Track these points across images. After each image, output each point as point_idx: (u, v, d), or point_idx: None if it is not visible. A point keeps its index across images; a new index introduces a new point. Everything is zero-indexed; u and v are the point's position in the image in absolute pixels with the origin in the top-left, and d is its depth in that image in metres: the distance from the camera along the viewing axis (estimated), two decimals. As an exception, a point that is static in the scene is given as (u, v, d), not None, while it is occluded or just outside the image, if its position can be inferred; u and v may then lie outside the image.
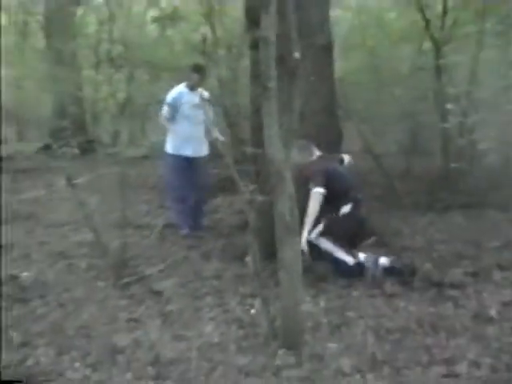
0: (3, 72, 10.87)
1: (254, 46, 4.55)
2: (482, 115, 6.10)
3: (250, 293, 4.08)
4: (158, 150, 8.39)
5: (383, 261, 4.38)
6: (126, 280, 4.37)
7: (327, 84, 5.13)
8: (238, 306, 3.95)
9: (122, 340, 3.45)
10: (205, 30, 7.71)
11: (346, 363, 3.11)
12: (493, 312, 3.67)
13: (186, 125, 5.70)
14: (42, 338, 3.48)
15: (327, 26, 5.14)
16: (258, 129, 4.13)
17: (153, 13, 9.60)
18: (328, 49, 5.15)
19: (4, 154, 9.75)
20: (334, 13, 7.22)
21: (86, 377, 3.06)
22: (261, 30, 3.13)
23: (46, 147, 9.51)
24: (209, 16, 7.38)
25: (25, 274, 4.60)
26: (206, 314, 3.82)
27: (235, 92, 6.87)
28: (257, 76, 4.13)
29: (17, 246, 5.35)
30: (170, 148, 5.83)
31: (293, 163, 3.34)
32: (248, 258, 4.57)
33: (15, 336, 3.49)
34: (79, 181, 4.34)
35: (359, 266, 4.35)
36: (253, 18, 4.42)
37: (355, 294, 4.12)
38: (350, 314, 3.75)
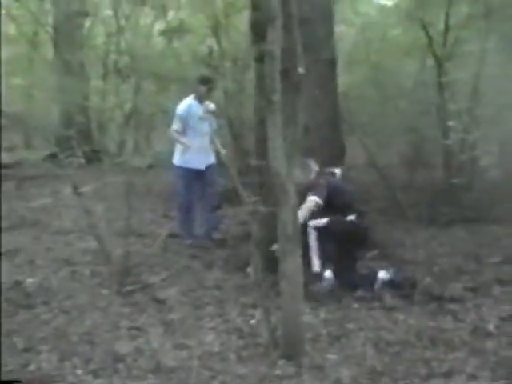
0: (12, 81, 11.00)
1: (260, 59, 4.61)
2: (484, 131, 6.14)
3: (251, 303, 4.12)
4: (162, 160, 8.49)
5: (382, 274, 4.44)
6: (128, 288, 4.41)
7: (331, 98, 5.20)
8: (238, 316, 3.98)
9: (124, 347, 3.48)
10: (211, 42, 7.80)
11: (345, 374, 3.13)
12: (491, 326, 3.69)
13: (194, 137, 5.76)
14: (45, 344, 3.51)
15: (331, 41, 5.22)
16: (262, 141, 4.20)
17: (160, 25, 9.73)
18: (332, 63, 5.22)
19: (11, 161, 9.85)
20: (339, 29, 7.32)
21: (87, 383, 3.09)
22: (266, 43, 3.20)
23: (53, 155, 9.59)
24: (215, 29, 7.47)
25: (29, 280, 4.65)
26: (207, 324, 3.85)
27: (240, 104, 6.94)
28: (262, 89, 4.20)
29: (22, 252, 5.41)
30: (177, 160, 5.89)
31: (295, 182, 3.38)
32: (250, 269, 4.61)
33: (18, 341, 3.53)
34: (85, 189, 4.40)
35: (320, 276, 4.44)
36: (259, 32, 4.49)
37: (355, 306, 4.15)
38: (350, 325, 3.78)
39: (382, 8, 9.83)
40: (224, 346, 3.50)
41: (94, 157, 6.40)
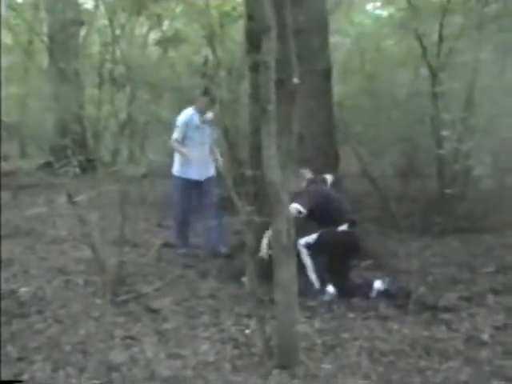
0: (7, 90, 10.99)
1: (254, 69, 4.64)
2: (478, 141, 6.18)
3: (246, 313, 4.12)
4: (156, 169, 8.49)
5: (378, 285, 4.46)
6: (122, 297, 4.40)
7: (325, 108, 5.23)
8: (233, 325, 3.98)
9: (118, 357, 3.47)
10: (206, 52, 7.82)
11: (339, 384, 3.14)
12: (486, 336, 3.71)
13: (193, 147, 5.76)
14: (39, 353, 3.50)
15: (326, 51, 5.25)
16: (256, 150, 4.21)
17: (155, 35, 9.76)
18: (327, 73, 5.25)
19: (6, 170, 9.82)
20: (334, 39, 7.36)
21: (81, 393, 3.09)
22: (261, 53, 3.22)
23: (47, 164, 9.58)
24: (210, 39, 7.49)
25: (23, 289, 4.63)
26: (201, 333, 3.84)
27: (235, 113, 6.95)
28: (256, 98, 4.22)
29: (16, 262, 5.40)
30: (176, 170, 5.91)
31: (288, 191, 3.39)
32: (244, 278, 4.60)
33: (12, 350, 3.52)
34: (79, 198, 4.39)
35: (321, 291, 4.47)
36: (253, 42, 4.52)
37: (350, 315, 4.16)
38: (345, 335, 3.79)
39: (377, 18, 9.92)
40: (218, 355, 3.50)
41: (88, 166, 6.39)
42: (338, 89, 7.03)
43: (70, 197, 4.38)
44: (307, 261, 4.50)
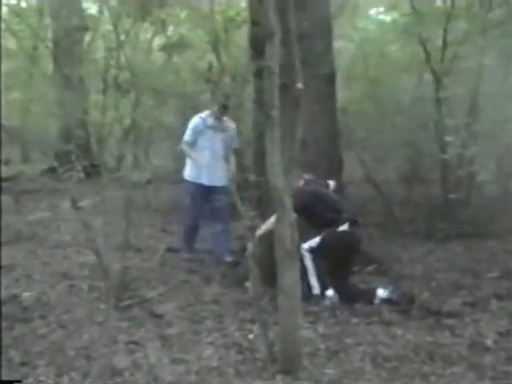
0: (11, 95, 11.04)
1: (258, 74, 4.65)
2: (481, 147, 6.18)
3: (250, 318, 4.11)
4: (160, 175, 8.50)
5: (381, 293, 4.46)
6: (126, 302, 4.40)
7: (329, 113, 5.24)
8: (237, 330, 3.98)
9: (122, 362, 3.47)
10: (210, 57, 7.84)
11: (343, 389, 3.14)
12: (489, 341, 3.70)
13: (202, 152, 5.76)
14: (42, 358, 3.51)
15: (330, 56, 5.26)
16: (260, 156, 4.22)
17: (159, 40, 9.79)
18: (331, 79, 5.26)
19: (9, 174, 9.85)
20: (338, 44, 7.38)
21: (85, 397, 3.09)
22: (265, 59, 3.23)
23: (51, 169, 9.61)
24: (215, 44, 7.52)
25: (26, 294, 4.64)
26: (205, 338, 3.84)
27: (239, 119, 6.97)
28: (260, 104, 4.22)
29: (19, 266, 5.40)
30: (187, 175, 5.92)
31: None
32: (248, 284, 4.60)
33: (15, 355, 3.53)
34: (84, 203, 4.41)
35: (322, 296, 4.47)
36: (257, 48, 4.53)
37: (354, 320, 4.15)
38: (348, 340, 3.78)
39: (381, 23, 9.92)
40: (222, 360, 3.50)
41: (93, 171, 6.40)
42: (341, 94, 7.03)
43: (74, 202, 4.39)
44: (309, 265, 4.50)
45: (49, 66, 11.73)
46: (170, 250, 6.06)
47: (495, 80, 6.93)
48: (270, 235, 4.29)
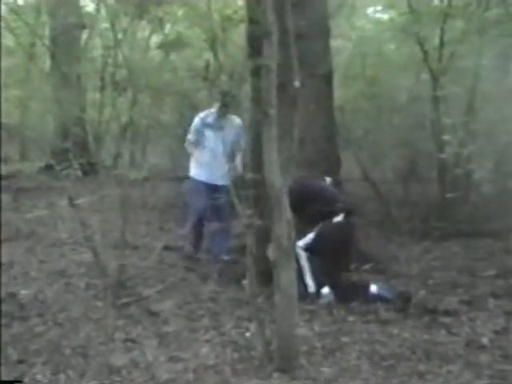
0: (9, 92, 11.02)
1: (256, 73, 4.64)
2: (479, 146, 6.19)
3: (246, 316, 4.11)
4: (158, 173, 8.50)
5: (373, 288, 4.47)
6: (123, 300, 4.40)
7: (327, 112, 5.24)
8: (233, 328, 3.98)
9: (119, 360, 3.47)
10: (208, 56, 7.85)
11: (339, 387, 3.14)
12: (486, 340, 3.70)
13: (204, 152, 5.77)
14: (39, 356, 3.50)
15: (328, 55, 5.27)
16: (257, 154, 4.21)
17: (157, 38, 9.79)
18: (328, 77, 5.27)
19: (6, 172, 9.84)
20: (335, 43, 7.38)
21: (81, 395, 3.09)
22: (263, 58, 3.23)
23: (48, 167, 9.60)
24: (212, 42, 7.52)
25: (23, 292, 4.63)
26: (202, 336, 3.84)
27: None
28: (258, 102, 4.22)
29: (17, 264, 5.40)
30: (191, 172, 5.94)
31: None
32: (245, 282, 4.61)
33: (12, 353, 3.52)
34: (81, 201, 4.40)
35: (318, 294, 4.46)
36: (255, 46, 4.52)
37: (350, 318, 4.16)
38: (345, 339, 3.78)
39: (378, 22, 9.94)
40: (219, 358, 3.50)
41: (90, 169, 6.40)
42: (339, 93, 7.05)
43: (71, 200, 4.38)
44: (305, 264, 4.50)
45: (46, 63, 11.72)
46: (167, 247, 6.05)
47: (492, 79, 6.95)
48: (266, 233, 4.32)
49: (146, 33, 10.46)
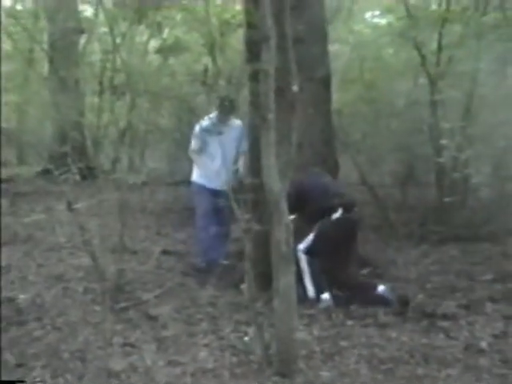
0: (7, 97, 11.02)
1: (254, 77, 4.65)
2: (476, 150, 6.20)
3: (245, 320, 4.11)
4: (156, 177, 8.51)
5: (380, 289, 4.48)
6: (122, 305, 4.40)
7: (325, 116, 5.25)
8: (232, 332, 3.98)
9: (117, 364, 3.47)
10: (206, 60, 7.87)
11: (338, 391, 3.14)
12: (484, 344, 3.71)
13: (207, 156, 5.73)
14: (38, 361, 3.50)
15: (326, 59, 5.28)
16: (256, 158, 4.22)
17: (155, 43, 9.81)
18: (326, 82, 5.28)
19: (4, 176, 9.84)
20: (333, 47, 7.40)
21: (80, 400, 3.09)
22: (261, 62, 3.24)
23: (45, 172, 9.60)
24: (211, 47, 7.54)
25: (21, 296, 4.63)
26: (200, 340, 3.84)
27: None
28: (256, 106, 4.23)
29: (14, 268, 5.40)
30: (194, 177, 5.92)
31: None
32: (243, 286, 4.61)
33: (11, 358, 3.52)
34: (79, 206, 4.40)
35: (318, 299, 4.46)
36: (253, 51, 4.54)
37: (349, 322, 4.16)
38: (343, 342, 3.79)
39: (376, 27, 9.97)
40: (217, 362, 3.50)
41: (88, 173, 6.40)
42: (337, 97, 7.06)
43: (69, 204, 4.38)
44: (305, 268, 4.50)
45: (45, 68, 11.73)
46: (165, 252, 6.05)
47: (490, 83, 6.97)
48: (265, 238, 4.32)
49: (145, 37, 10.49)
